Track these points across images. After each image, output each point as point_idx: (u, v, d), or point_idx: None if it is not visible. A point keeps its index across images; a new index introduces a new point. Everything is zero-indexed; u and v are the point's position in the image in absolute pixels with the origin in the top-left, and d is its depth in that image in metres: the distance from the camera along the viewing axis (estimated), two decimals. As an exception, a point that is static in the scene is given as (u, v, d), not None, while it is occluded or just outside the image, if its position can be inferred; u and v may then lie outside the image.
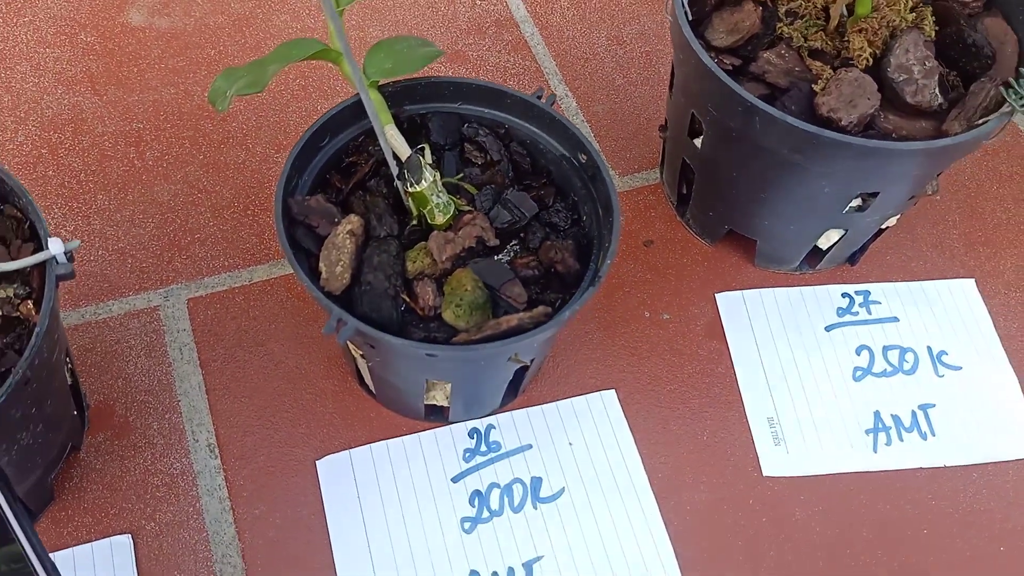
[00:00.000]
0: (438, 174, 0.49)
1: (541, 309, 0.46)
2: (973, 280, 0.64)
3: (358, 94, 0.51)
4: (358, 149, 0.53)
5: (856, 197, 0.55)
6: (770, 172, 0.54)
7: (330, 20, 0.49)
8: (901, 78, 0.52)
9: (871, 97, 0.51)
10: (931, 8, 0.56)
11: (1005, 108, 0.49)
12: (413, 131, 0.54)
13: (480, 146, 0.53)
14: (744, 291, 0.62)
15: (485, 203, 0.50)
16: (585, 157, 0.52)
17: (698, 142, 0.58)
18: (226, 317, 0.58)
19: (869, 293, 0.63)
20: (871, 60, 0.53)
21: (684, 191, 0.64)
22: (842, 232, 0.59)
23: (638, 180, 0.68)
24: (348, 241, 0.47)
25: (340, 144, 0.53)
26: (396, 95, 0.53)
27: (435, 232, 0.48)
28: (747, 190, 0.57)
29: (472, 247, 0.48)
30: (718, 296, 0.62)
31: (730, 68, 0.54)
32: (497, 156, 0.53)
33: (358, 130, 0.53)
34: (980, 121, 0.50)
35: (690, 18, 0.55)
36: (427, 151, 0.53)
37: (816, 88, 0.52)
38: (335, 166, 0.52)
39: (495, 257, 0.50)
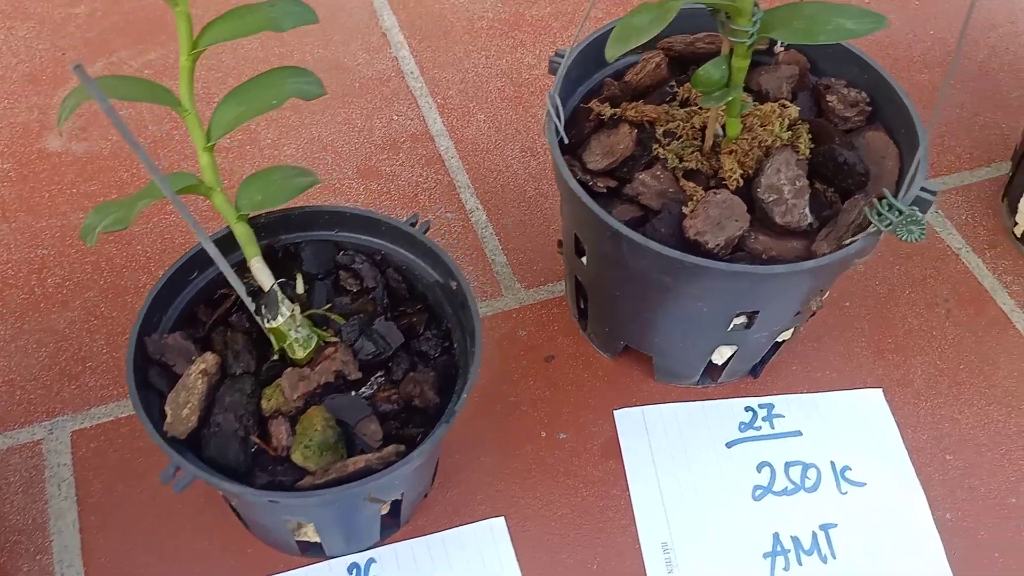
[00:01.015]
0: (297, 307, 0.49)
1: (391, 448, 0.45)
2: (880, 390, 0.62)
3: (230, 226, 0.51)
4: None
5: (738, 316, 0.54)
6: (648, 293, 0.54)
7: (200, 155, 0.50)
8: (771, 198, 0.51)
9: (739, 219, 0.51)
10: (808, 125, 0.56)
11: (872, 228, 0.49)
12: (288, 260, 0.54)
13: (355, 273, 0.53)
14: (644, 407, 0.61)
15: (352, 334, 0.50)
16: (456, 284, 0.51)
17: (585, 260, 0.58)
18: (109, 449, 0.57)
19: (773, 406, 0.61)
20: (742, 181, 0.53)
21: (582, 306, 0.63)
22: (734, 348, 0.58)
23: (544, 293, 0.68)
24: (200, 381, 0.46)
25: (213, 275, 0.52)
26: (271, 225, 0.53)
27: (289, 369, 0.47)
28: (631, 309, 0.56)
29: (331, 382, 0.47)
30: (616, 413, 0.61)
31: (604, 191, 0.54)
32: (372, 283, 0.53)
33: (231, 261, 0.53)
34: (848, 241, 0.49)
35: (567, 142, 0.55)
36: (299, 281, 0.53)
37: (686, 210, 0.52)
38: (206, 299, 0.52)
39: (359, 390, 0.49)
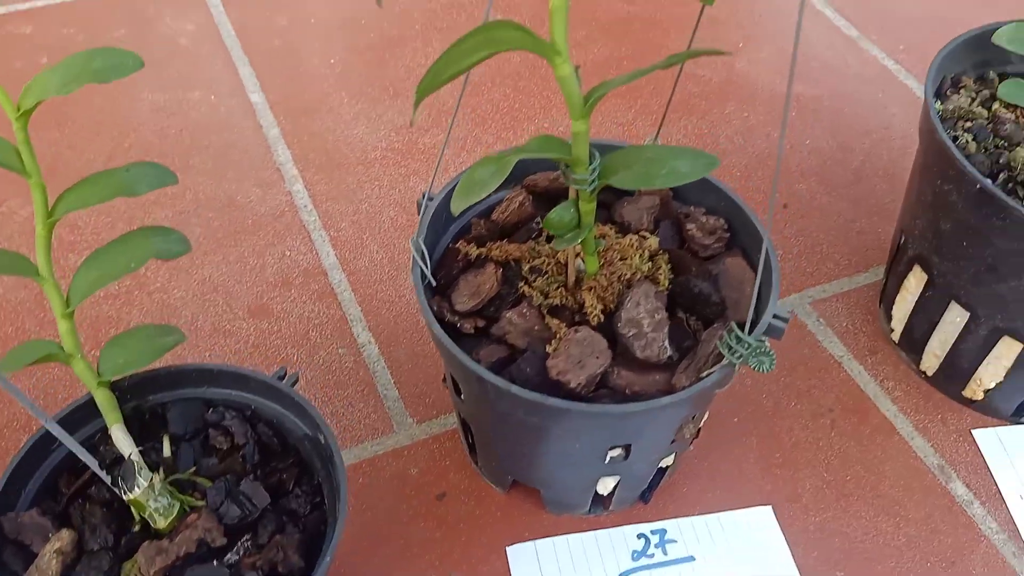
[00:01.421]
0: (158, 475, 0.48)
1: (250, 623, 0.43)
2: (770, 507, 0.63)
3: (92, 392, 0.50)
4: (94, 448, 0.51)
5: (613, 448, 0.54)
6: (521, 432, 0.54)
7: (59, 321, 0.50)
8: (631, 333, 0.52)
9: (600, 356, 0.51)
10: (668, 256, 0.57)
11: (725, 360, 0.50)
12: (155, 422, 0.53)
13: (225, 430, 0.53)
14: (536, 541, 0.61)
15: (218, 497, 0.49)
16: (323, 437, 0.51)
17: (462, 397, 0.58)
18: (-24, 628, 0.55)
19: (665, 531, 0.61)
20: (603, 316, 0.54)
21: (470, 440, 0.63)
22: (617, 478, 0.58)
23: (436, 426, 0.67)
24: (54, 561, 0.45)
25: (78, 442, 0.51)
26: (137, 387, 0.53)
27: (146, 543, 0.46)
28: (509, 447, 0.57)
29: (192, 552, 0.46)
30: (508, 549, 0.60)
31: (473, 331, 0.54)
32: (243, 439, 0.52)
33: (94, 428, 0.52)
34: (705, 373, 0.50)
35: (435, 284, 0.56)
36: (166, 444, 0.52)
37: (549, 349, 0.52)
38: (70, 467, 0.51)
39: (224, 558, 0.48)
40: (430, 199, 0.58)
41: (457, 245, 0.58)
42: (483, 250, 0.57)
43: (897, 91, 0.96)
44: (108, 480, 0.47)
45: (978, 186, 0.56)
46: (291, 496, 0.50)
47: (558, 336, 0.53)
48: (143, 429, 0.52)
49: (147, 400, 0.53)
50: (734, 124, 0.92)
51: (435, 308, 0.54)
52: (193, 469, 0.51)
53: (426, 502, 0.63)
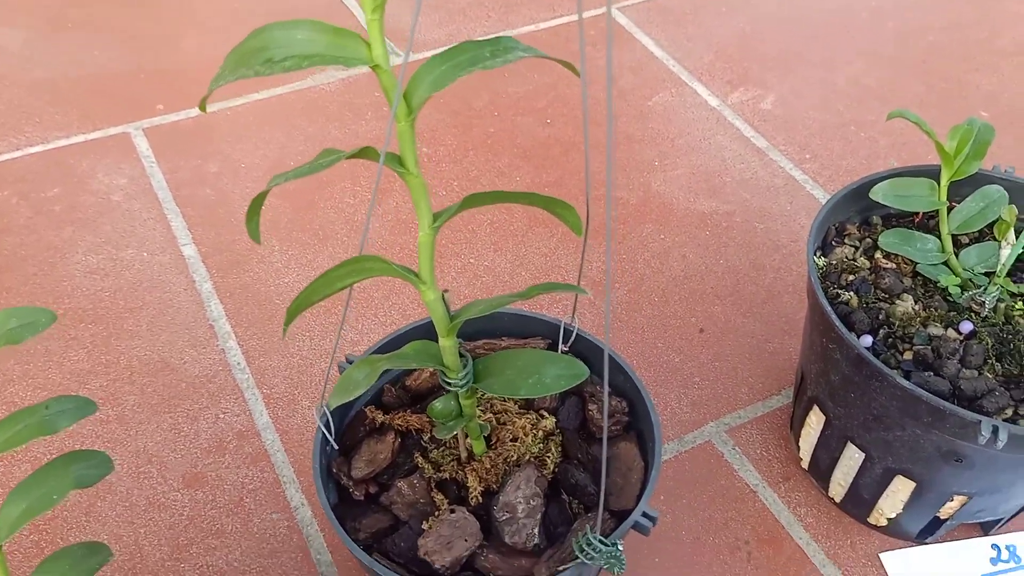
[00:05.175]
0: None
1: None
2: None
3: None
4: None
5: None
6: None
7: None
8: (504, 517, 0.54)
9: (468, 538, 0.53)
10: (560, 438, 0.60)
11: (578, 560, 0.50)
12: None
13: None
14: None
15: None
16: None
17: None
18: None
19: None
20: (481, 498, 0.56)
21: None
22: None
23: None
24: None
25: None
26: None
27: None
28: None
29: None
30: None
31: (362, 498, 0.57)
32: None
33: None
34: (562, 568, 0.51)
35: (336, 448, 0.58)
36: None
37: (425, 526, 0.55)
38: None
39: None
40: (350, 362, 0.60)
41: (366, 409, 0.60)
42: (387, 418, 0.60)
43: (804, 201, 1.01)
44: None
45: (856, 351, 0.59)
46: None
47: (438, 512, 0.55)
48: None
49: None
50: (651, 247, 0.96)
51: (335, 470, 0.57)
52: None
53: None
